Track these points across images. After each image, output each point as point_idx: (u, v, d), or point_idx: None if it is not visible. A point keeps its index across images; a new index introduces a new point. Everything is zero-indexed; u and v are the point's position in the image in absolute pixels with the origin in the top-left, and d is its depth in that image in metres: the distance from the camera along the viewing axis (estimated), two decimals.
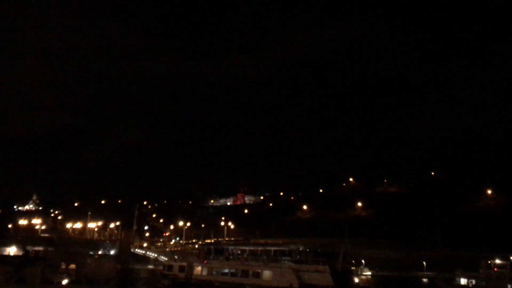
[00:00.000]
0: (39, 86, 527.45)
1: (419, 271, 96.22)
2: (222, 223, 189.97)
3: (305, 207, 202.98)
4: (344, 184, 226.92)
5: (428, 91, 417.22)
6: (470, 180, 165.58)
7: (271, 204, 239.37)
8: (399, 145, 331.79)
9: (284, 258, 57.56)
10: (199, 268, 64.56)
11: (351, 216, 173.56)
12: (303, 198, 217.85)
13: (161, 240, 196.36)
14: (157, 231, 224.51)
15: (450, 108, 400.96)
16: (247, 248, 65.07)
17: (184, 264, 67.48)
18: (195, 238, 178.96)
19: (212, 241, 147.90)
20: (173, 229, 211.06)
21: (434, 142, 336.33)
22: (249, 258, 60.83)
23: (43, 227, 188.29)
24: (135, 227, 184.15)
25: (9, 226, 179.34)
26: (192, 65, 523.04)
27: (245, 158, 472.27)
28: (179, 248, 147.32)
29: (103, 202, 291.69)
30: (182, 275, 66.06)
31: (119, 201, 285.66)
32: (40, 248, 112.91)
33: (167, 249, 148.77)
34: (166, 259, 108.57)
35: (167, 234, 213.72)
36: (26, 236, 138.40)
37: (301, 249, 57.77)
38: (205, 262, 64.48)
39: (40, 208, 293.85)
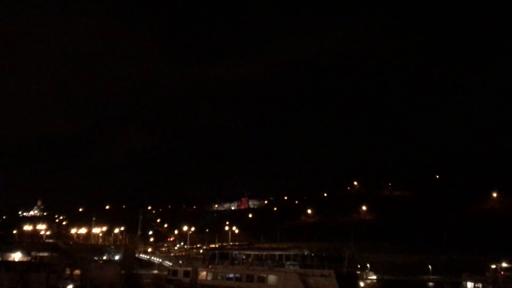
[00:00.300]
0: (43, 92, 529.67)
1: (424, 275, 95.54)
2: (227, 228, 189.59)
3: (309, 211, 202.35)
4: (348, 188, 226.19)
5: (433, 94, 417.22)
6: (475, 183, 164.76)
7: (275, 208, 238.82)
8: (404, 149, 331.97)
9: (289, 262, 57.35)
10: (204, 273, 64.40)
11: (356, 220, 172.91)
12: (308, 202, 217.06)
13: (165, 245, 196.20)
14: (161, 236, 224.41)
15: (455, 111, 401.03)
16: (252, 252, 64.86)
17: (189, 269, 67.31)
18: (199, 243, 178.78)
19: (217, 245, 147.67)
20: (178, 234, 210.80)
21: (438, 145, 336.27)
22: (254, 262, 60.63)
23: (48, 233, 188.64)
24: (139, 232, 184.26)
25: (14, 232, 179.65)
26: (196, 70, 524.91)
27: (249, 162, 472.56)
28: (183, 253, 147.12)
29: (107, 207, 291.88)
30: (187, 280, 65.88)
31: (124, 206, 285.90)
32: (45, 254, 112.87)
33: (172, 254, 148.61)
34: (170, 264, 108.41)
35: (171, 239, 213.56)
36: (31, 242, 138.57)
37: (306, 253, 57.62)
38: (210, 267, 64.33)
39: (45, 213, 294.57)
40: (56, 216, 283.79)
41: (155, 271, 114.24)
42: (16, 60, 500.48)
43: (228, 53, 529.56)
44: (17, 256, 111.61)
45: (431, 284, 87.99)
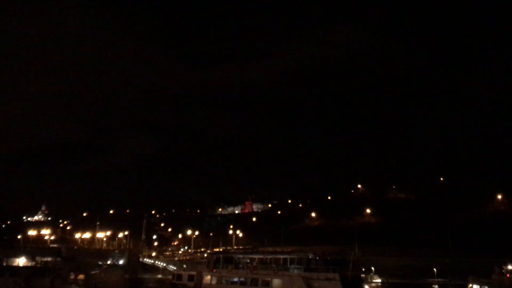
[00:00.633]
0: (47, 98, 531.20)
1: (430, 277, 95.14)
2: (231, 232, 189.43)
3: (313, 214, 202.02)
4: (352, 191, 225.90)
5: (436, 96, 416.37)
6: (480, 185, 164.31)
7: (279, 212, 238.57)
8: (408, 151, 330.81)
9: (293, 266, 57.15)
10: (209, 277, 64.26)
11: (360, 223, 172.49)
12: (312, 206, 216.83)
13: (169, 249, 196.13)
14: (165, 240, 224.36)
15: (459, 113, 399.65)
16: (256, 256, 64.66)
17: (194, 273, 67.18)
18: (203, 247, 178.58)
19: (221, 249, 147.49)
20: (182, 238, 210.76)
21: (443, 147, 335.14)
22: (259, 266, 60.44)
23: (52, 238, 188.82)
24: (143, 237, 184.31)
25: (19, 237, 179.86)
26: (199, 74, 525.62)
27: (253, 166, 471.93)
28: (187, 257, 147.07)
29: (111, 212, 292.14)
30: (191, 284, 65.75)
31: (128, 211, 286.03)
32: (49, 259, 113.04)
33: (176, 258, 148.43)
34: (175, 268, 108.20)
35: (175, 243, 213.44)
36: (35, 247, 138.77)
37: (310, 257, 57.33)
38: (214, 271, 64.17)
39: (49, 218, 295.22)
40: (60, 221, 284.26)
41: (159, 276, 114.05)
42: (20, 66, 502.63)
43: (231, 56, 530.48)
44: (21, 261, 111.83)
45: (436, 287, 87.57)
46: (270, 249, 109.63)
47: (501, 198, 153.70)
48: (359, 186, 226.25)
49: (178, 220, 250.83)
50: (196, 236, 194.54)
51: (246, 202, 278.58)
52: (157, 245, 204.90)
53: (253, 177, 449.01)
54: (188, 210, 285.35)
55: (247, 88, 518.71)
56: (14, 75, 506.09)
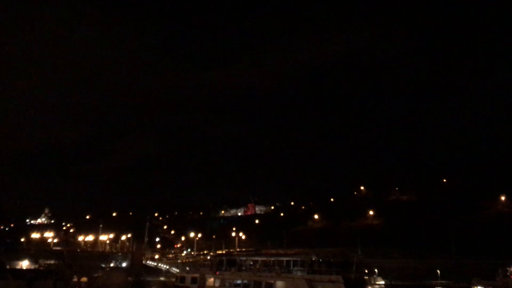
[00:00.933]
0: (49, 100, 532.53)
1: (433, 280, 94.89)
2: (233, 234, 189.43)
3: (316, 216, 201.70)
4: (355, 193, 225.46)
5: (440, 98, 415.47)
6: (483, 187, 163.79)
7: (282, 214, 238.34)
8: (411, 153, 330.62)
9: (296, 268, 57.10)
10: (212, 279, 64.24)
11: (363, 225, 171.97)
12: (314, 208, 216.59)
13: (172, 251, 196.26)
14: (168, 243, 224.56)
15: (462, 115, 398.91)
16: (259, 258, 64.62)
17: (197, 275, 67.18)
18: (206, 249, 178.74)
19: (224, 252, 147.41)
20: (184, 240, 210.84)
21: (446, 149, 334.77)
22: (262, 269, 60.40)
23: (55, 240, 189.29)
24: (146, 239, 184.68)
25: (22, 239, 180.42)
26: (202, 76, 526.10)
27: (255, 168, 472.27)
28: (190, 260, 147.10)
29: (114, 214, 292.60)
30: (194, 286, 65.75)
31: (130, 213, 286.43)
32: (52, 262, 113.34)
33: (179, 261, 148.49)
34: (178, 270, 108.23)
35: (178, 245, 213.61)
36: (38, 250, 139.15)
37: (313, 259, 57.28)
38: (217, 273, 64.17)
39: (52, 221, 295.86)
40: (64, 223, 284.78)
41: (162, 278, 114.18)
42: (22, 68, 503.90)
43: (234, 58, 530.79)
44: (24, 263, 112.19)
45: None
46: (273, 251, 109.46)
47: (505, 200, 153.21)
48: (361, 188, 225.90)
49: (181, 223, 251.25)
50: (199, 238, 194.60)
51: (249, 204, 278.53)
52: (160, 248, 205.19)
53: (256, 179, 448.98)
54: (190, 212, 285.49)
55: (250, 90, 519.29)
56: (17, 76, 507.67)
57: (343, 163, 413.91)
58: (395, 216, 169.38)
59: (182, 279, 69.99)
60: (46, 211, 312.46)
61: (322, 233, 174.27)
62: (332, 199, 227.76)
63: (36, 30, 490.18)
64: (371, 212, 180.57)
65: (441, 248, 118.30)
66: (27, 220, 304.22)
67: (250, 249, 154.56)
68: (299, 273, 55.82)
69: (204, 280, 65.29)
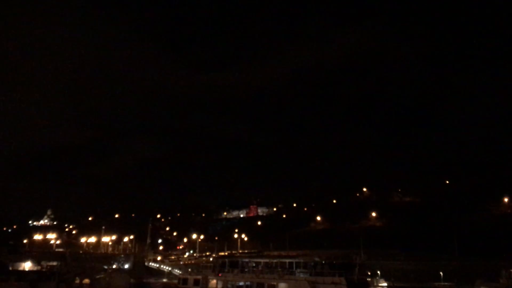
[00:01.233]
0: (52, 102, 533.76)
1: (436, 281, 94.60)
2: (236, 236, 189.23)
3: (318, 218, 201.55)
4: (358, 194, 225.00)
5: (442, 99, 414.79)
6: (486, 188, 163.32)
7: (284, 216, 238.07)
8: (413, 154, 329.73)
9: (299, 270, 56.92)
10: (214, 281, 64.10)
11: (366, 227, 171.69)
12: (317, 209, 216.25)
13: (174, 253, 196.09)
14: (170, 244, 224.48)
15: (464, 116, 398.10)
16: (262, 260, 64.46)
17: (199, 277, 67.02)
18: (208, 250, 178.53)
19: (226, 253, 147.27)
20: (187, 242, 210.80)
21: (448, 150, 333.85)
22: (264, 270, 60.24)
23: (58, 242, 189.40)
24: (149, 241, 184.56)
25: (25, 241, 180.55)
26: (205, 78, 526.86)
27: (257, 170, 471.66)
28: (193, 261, 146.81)
29: (117, 216, 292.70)
30: None
31: (133, 215, 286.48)
32: (55, 263, 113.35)
33: (181, 262, 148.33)
34: (180, 272, 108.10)
35: (180, 247, 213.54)
36: (41, 251, 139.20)
37: (316, 261, 57.08)
38: (220, 275, 64.01)
39: (55, 223, 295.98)
40: (66, 225, 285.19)
41: (165, 280, 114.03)
42: (25, 70, 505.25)
43: (236, 60, 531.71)
44: (27, 265, 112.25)
45: None
46: (275, 253, 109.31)
47: (508, 201, 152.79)
48: (364, 189, 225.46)
49: (183, 224, 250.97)
50: (201, 240, 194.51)
51: (251, 206, 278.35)
52: (162, 249, 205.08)
53: (258, 181, 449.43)
54: (193, 214, 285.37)
55: (252, 92, 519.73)
56: (20, 79, 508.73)
57: (345, 165, 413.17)
58: (398, 217, 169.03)
59: (185, 280, 69.84)
60: (49, 212, 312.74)
61: (325, 235, 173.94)
62: (334, 201, 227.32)
63: (39, 32, 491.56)
64: (373, 214, 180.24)
65: (444, 250, 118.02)
66: (30, 222, 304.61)
67: (252, 250, 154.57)
68: (301, 275, 55.63)
69: (206, 281, 65.15)
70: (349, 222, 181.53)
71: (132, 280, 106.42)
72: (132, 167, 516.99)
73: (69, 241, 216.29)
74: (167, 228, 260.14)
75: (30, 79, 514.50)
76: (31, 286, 77.14)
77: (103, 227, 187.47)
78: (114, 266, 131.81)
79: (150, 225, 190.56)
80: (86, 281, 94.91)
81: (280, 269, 58.44)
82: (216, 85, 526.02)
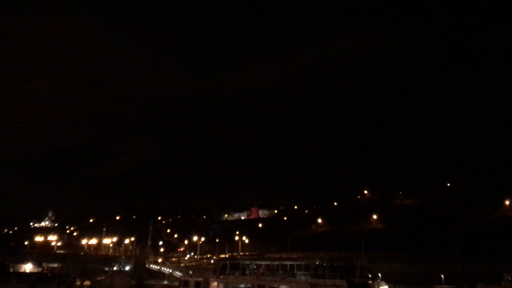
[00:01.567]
0: (54, 103, 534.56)
1: (437, 284, 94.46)
2: (237, 238, 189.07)
3: (320, 220, 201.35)
4: (359, 197, 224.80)
5: (443, 101, 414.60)
6: (487, 191, 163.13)
7: (285, 218, 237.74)
8: (414, 157, 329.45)
9: (300, 272, 56.88)
10: (215, 283, 64.10)
11: (367, 229, 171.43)
12: (318, 212, 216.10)
13: (175, 255, 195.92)
14: (171, 247, 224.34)
15: (466, 118, 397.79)
16: (263, 262, 64.45)
17: (200, 279, 67.02)
18: (209, 253, 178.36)
19: (227, 256, 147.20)
20: (188, 244, 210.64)
21: (449, 152, 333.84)
22: (266, 273, 60.21)
23: (59, 244, 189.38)
24: (149, 243, 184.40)
25: (26, 243, 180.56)
26: (205, 80, 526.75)
27: (259, 172, 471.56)
28: (194, 264, 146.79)
29: (118, 218, 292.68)
30: None
31: (134, 217, 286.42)
32: (56, 265, 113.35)
33: (182, 265, 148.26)
34: (181, 274, 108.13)
35: (181, 249, 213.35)
36: (42, 253, 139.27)
37: (317, 263, 57.06)
38: (221, 277, 64.00)
39: (56, 224, 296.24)
40: (67, 227, 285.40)
41: (166, 282, 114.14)
42: (28, 71, 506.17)
43: (238, 62, 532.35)
44: (28, 267, 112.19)
45: None
46: (276, 255, 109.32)
47: (509, 204, 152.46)
48: (365, 192, 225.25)
49: (184, 226, 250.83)
50: (202, 242, 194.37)
51: (252, 208, 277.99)
52: (163, 251, 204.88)
53: (259, 183, 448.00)
54: (194, 216, 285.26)
55: (254, 93, 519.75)
56: (23, 80, 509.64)
57: (346, 167, 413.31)
58: (399, 220, 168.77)
59: (186, 283, 69.83)
60: (50, 214, 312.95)
61: (326, 237, 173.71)
62: (335, 203, 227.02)
63: (40, 34, 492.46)
64: (374, 216, 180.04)
65: (446, 253, 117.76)
66: (31, 224, 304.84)
67: (253, 253, 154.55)
68: (303, 277, 55.60)
69: (207, 284, 65.15)
70: (350, 224, 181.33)
71: (133, 282, 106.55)
72: (133, 169, 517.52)
73: (70, 243, 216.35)
74: (168, 230, 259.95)
75: (30, 81, 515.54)
76: None
77: (104, 229, 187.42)
78: (115, 268, 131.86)
79: (151, 227, 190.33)
80: (87, 283, 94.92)
81: (281, 271, 58.42)
82: (218, 86, 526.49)
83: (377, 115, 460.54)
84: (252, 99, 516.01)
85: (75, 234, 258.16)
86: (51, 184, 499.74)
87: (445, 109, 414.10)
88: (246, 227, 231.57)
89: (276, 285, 56.79)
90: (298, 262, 59.32)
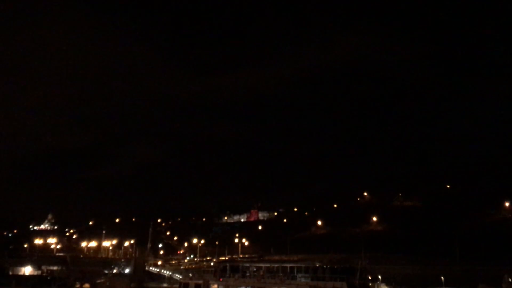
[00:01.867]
0: (53, 105, 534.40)
1: (437, 286, 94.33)
2: (236, 240, 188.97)
3: (319, 222, 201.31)
4: (358, 199, 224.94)
5: (443, 103, 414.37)
6: (487, 192, 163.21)
7: (285, 220, 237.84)
8: (414, 158, 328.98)
9: (300, 275, 56.79)
10: (215, 286, 63.89)
11: (367, 231, 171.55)
12: (318, 214, 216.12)
13: (175, 257, 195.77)
14: (171, 249, 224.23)
15: (465, 120, 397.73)
16: (263, 265, 64.33)
17: (200, 282, 66.78)
18: (209, 255, 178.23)
19: (227, 258, 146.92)
20: (187, 246, 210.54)
21: (449, 154, 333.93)
22: (266, 275, 60.09)
23: (59, 246, 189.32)
24: (149, 245, 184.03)
25: (25, 245, 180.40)
26: (205, 81, 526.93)
27: (258, 174, 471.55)
28: (193, 266, 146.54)
29: (117, 220, 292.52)
30: None
31: (133, 219, 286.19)
32: (55, 268, 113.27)
33: (182, 267, 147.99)
34: (181, 277, 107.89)
35: (181, 251, 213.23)
36: (41, 256, 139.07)
37: (317, 265, 56.99)
38: (221, 280, 63.84)
39: (56, 227, 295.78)
40: (67, 229, 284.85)
41: (165, 284, 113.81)
42: (27, 73, 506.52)
43: (237, 63, 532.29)
44: (27, 270, 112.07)
45: None
46: (276, 257, 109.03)
47: (509, 206, 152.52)
48: (365, 193, 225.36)
49: (184, 229, 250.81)
50: (202, 244, 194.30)
51: (252, 210, 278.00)
52: (163, 254, 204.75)
53: (259, 185, 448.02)
54: (194, 218, 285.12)
55: (253, 95, 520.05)
56: (21, 83, 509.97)
57: (346, 169, 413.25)
58: (399, 222, 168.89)
59: (186, 285, 69.58)
60: (50, 217, 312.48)
61: (326, 239, 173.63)
62: (335, 205, 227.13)
63: (43, 36, 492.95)
64: (374, 218, 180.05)
65: (446, 254, 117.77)
66: (31, 226, 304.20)
67: (253, 255, 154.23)
68: (303, 280, 55.47)
69: (207, 286, 64.94)
70: (350, 226, 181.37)
71: (132, 285, 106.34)
72: (133, 171, 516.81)
73: (70, 246, 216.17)
74: (168, 233, 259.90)
75: (30, 83, 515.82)
76: None
77: (104, 232, 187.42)
78: (114, 271, 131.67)
79: (151, 229, 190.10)
80: (87, 285, 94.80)
81: (281, 274, 58.31)
82: (218, 88, 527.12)
83: (377, 117, 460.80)
84: (252, 101, 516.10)
85: (74, 236, 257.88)
86: (51, 187, 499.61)
87: (445, 111, 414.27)
88: (246, 230, 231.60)
89: None
90: (298, 265, 59.23)
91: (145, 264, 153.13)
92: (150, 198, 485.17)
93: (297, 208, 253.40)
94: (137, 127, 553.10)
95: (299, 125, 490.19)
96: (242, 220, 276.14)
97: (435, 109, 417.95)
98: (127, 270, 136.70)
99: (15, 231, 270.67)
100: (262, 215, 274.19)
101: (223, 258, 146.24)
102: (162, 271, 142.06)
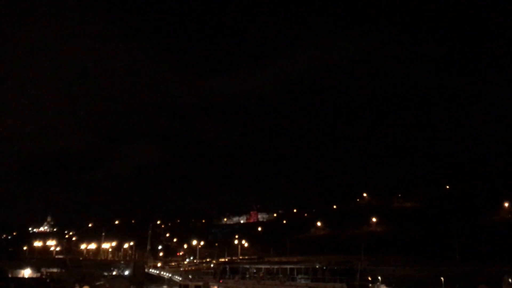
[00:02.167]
0: (51, 108, 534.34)
1: (437, 287, 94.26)
2: (236, 242, 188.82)
3: (319, 223, 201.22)
4: (358, 200, 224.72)
5: (442, 104, 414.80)
6: (486, 193, 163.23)
7: (284, 222, 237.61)
8: (413, 159, 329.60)
9: (300, 276, 56.79)
10: (215, 287, 63.90)
11: (366, 232, 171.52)
12: (317, 215, 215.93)
13: (175, 259, 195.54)
14: (171, 251, 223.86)
15: (465, 121, 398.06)
16: (263, 266, 64.31)
17: (200, 283, 66.79)
18: (209, 257, 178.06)
19: (226, 260, 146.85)
20: (187, 248, 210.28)
21: (448, 155, 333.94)
22: (265, 277, 60.07)
23: (58, 249, 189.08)
24: (149, 247, 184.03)
25: (25, 248, 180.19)
26: (203, 83, 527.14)
27: (258, 175, 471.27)
28: (193, 268, 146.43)
29: (116, 222, 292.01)
30: None
31: (133, 221, 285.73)
32: (55, 270, 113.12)
33: (181, 269, 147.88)
34: (180, 279, 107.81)
35: (181, 253, 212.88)
36: (41, 258, 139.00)
37: (317, 266, 56.97)
38: (221, 281, 63.82)
39: (55, 229, 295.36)
40: (66, 232, 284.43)
41: (165, 286, 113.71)
42: (26, 76, 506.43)
43: (236, 65, 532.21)
44: (27, 272, 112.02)
45: None
46: (276, 259, 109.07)
47: (508, 206, 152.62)
48: (364, 195, 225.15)
49: (184, 230, 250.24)
50: (202, 246, 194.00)
51: (251, 212, 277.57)
52: (163, 256, 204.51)
53: (258, 187, 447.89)
54: (193, 220, 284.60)
55: (252, 97, 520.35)
56: (20, 84, 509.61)
57: (346, 170, 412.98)
58: (398, 223, 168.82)
59: (186, 287, 69.60)
60: (49, 219, 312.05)
61: (325, 241, 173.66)
62: (335, 207, 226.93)
63: (40, 37, 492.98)
64: (374, 219, 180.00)
65: (445, 255, 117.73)
66: (30, 229, 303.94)
67: (253, 257, 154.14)
68: (303, 281, 55.49)
69: None
70: (349, 227, 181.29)
71: (132, 287, 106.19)
72: (132, 173, 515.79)
73: (69, 248, 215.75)
74: (167, 234, 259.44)
75: (29, 84, 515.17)
76: None
77: (103, 234, 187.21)
78: (114, 273, 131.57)
79: (150, 231, 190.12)
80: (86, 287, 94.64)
81: (281, 275, 58.29)
82: (217, 90, 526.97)
83: (376, 118, 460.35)
84: (251, 102, 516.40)
85: (74, 238, 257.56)
86: (50, 189, 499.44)
87: (444, 112, 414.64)
88: (246, 231, 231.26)
89: None
90: (298, 266, 59.25)
91: (145, 266, 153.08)
92: (149, 200, 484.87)
93: (296, 210, 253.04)
94: (136, 128, 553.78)
95: (298, 127, 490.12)
96: (242, 222, 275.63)
97: (435, 110, 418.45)
98: (126, 272, 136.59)
99: (14, 233, 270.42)
100: (261, 217, 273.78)
101: (222, 260, 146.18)
102: (162, 273, 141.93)
